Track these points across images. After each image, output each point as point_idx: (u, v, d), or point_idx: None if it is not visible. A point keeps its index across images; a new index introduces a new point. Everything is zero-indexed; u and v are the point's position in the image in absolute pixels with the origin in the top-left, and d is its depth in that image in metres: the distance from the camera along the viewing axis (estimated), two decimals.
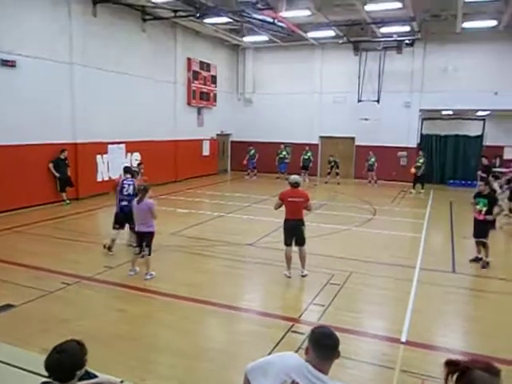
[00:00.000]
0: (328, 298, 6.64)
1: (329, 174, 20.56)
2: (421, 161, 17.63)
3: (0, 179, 11.70)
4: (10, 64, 11.85)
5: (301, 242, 7.53)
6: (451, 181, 20.54)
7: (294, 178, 7.64)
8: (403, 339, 5.37)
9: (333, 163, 20.49)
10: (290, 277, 7.53)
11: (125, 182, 8.84)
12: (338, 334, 2.42)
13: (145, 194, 7.31)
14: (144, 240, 7.38)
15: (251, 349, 5.18)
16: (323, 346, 2.33)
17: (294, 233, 7.51)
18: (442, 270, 8.21)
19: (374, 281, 7.57)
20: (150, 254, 7.39)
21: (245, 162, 21.75)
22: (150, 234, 7.37)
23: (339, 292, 6.90)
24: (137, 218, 7.38)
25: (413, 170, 17.75)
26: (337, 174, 20.47)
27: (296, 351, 4.88)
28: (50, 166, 13.17)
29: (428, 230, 11.51)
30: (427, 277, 7.74)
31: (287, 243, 7.56)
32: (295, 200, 7.41)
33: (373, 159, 19.89)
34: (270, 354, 4.82)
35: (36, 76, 12.66)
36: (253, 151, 21.85)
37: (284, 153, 21.42)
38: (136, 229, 7.45)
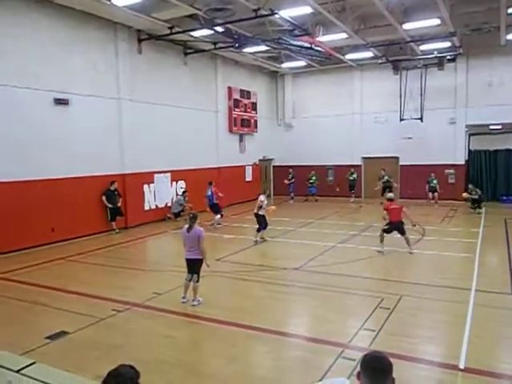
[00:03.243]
0: (378, 322, 6.42)
1: (383, 194, 19.93)
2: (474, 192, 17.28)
3: (55, 211, 12.33)
4: (63, 102, 12.64)
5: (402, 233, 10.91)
6: (504, 197, 19.59)
7: (390, 195, 11.87)
8: (461, 366, 5.07)
9: (385, 180, 19.57)
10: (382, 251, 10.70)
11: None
12: (391, 360, 2.34)
13: (194, 221, 7.43)
14: (193, 267, 7.48)
15: (300, 376, 5.07)
16: (374, 370, 2.25)
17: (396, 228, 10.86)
18: (499, 291, 7.76)
19: (427, 304, 7.26)
20: (198, 281, 7.44)
21: (286, 181, 22.04)
22: (199, 261, 7.43)
23: (390, 316, 6.66)
24: (186, 246, 7.51)
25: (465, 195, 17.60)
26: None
27: (347, 378, 4.73)
28: (103, 198, 13.76)
29: (482, 249, 10.96)
30: (484, 299, 7.33)
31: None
32: (395, 207, 10.87)
33: (435, 181, 19.31)
34: (320, 381, 4.70)
35: (87, 112, 13.40)
36: (291, 175, 22.05)
37: (314, 178, 21.72)
38: (185, 256, 7.56)
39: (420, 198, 19.38)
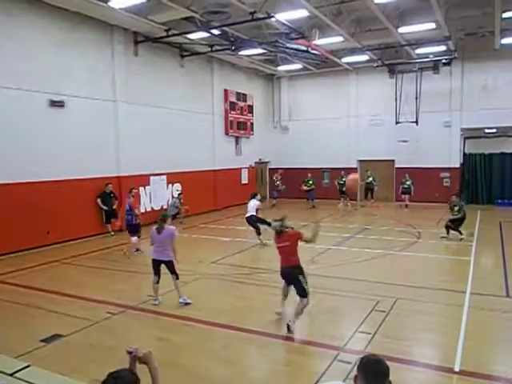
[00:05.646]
0: (374, 325, 6.42)
1: (366, 197, 20.18)
2: (456, 208, 12.62)
3: (50, 213, 12.27)
4: (58, 104, 12.60)
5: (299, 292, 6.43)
6: (499, 200, 19.69)
7: (274, 225, 6.64)
8: (456, 369, 5.08)
9: (369, 181, 19.71)
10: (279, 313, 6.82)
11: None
12: (386, 363, 2.35)
13: (164, 222, 7.46)
14: (158, 268, 7.49)
15: (295, 379, 5.06)
16: (371, 373, 2.26)
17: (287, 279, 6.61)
18: (494, 294, 7.79)
19: (422, 307, 7.27)
20: (178, 278, 7.46)
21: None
22: (170, 263, 7.42)
23: (385, 319, 6.66)
24: (156, 246, 7.49)
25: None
26: (371, 196, 19.92)
27: (343, 382, 4.73)
28: (98, 200, 13.70)
29: (477, 252, 11.00)
30: (479, 302, 7.35)
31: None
32: (283, 245, 6.50)
33: (408, 182, 19.17)
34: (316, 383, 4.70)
35: (82, 114, 13.36)
36: (279, 177, 21.52)
37: (310, 182, 20.60)
38: (154, 256, 7.54)
39: (415, 201, 19.39)
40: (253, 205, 12.41)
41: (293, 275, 6.38)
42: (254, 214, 12.34)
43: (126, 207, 11.54)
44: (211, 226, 15.63)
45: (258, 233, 12.22)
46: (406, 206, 19.06)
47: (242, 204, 20.85)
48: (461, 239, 12.35)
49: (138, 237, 11.38)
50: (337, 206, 19.77)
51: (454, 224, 12.54)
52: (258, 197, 12.81)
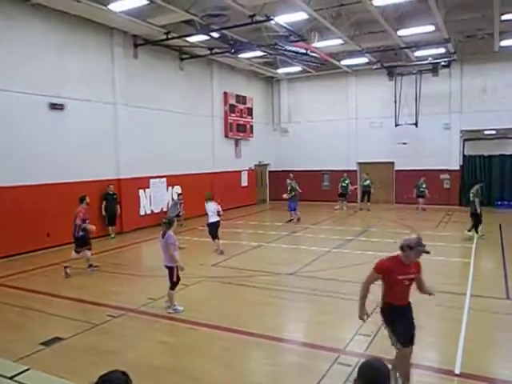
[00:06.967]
0: (374, 327, 6.40)
1: (362, 200, 20.16)
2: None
3: (50, 216, 12.26)
4: (58, 107, 12.62)
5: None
6: (499, 202, 19.70)
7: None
8: (457, 371, 5.07)
9: (366, 184, 19.79)
10: None
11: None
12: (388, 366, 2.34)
13: (169, 227, 7.36)
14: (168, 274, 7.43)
15: (296, 382, 5.05)
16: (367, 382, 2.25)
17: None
18: (494, 296, 7.79)
19: (422, 309, 7.22)
20: (171, 289, 7.33)
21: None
22: (169, 268, 7.34)
23: None
24: (162, 252, 7.48)
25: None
26: (368, 199, 19.95)
27: None
28: (104, 202, 13.78)
29: (477, 254, 11.00)
30: (479, 304, 7.35)
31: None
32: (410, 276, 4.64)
33: (424, 185, 18.72)
34: None
35: (82, 117, 13.38)
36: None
37: (290, 187, 16.84)
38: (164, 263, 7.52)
39: (415, 203, 19.32)
40: (215, 208, 11.61)
41: (412, 316, 4.70)
42: (219, 219, 11.65)
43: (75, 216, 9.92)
44: None
45: (215, 237, 11.69)
46: (424, 209, 18.74)
47: (242, 206, 20.96)
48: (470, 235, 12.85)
49: (89, 249, 10.09)
50: (336, 208, 19.92)
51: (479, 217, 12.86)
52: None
